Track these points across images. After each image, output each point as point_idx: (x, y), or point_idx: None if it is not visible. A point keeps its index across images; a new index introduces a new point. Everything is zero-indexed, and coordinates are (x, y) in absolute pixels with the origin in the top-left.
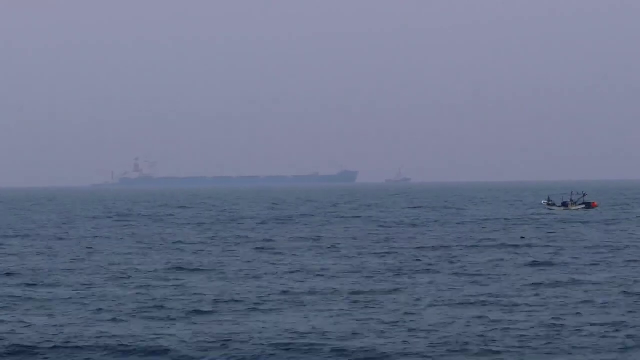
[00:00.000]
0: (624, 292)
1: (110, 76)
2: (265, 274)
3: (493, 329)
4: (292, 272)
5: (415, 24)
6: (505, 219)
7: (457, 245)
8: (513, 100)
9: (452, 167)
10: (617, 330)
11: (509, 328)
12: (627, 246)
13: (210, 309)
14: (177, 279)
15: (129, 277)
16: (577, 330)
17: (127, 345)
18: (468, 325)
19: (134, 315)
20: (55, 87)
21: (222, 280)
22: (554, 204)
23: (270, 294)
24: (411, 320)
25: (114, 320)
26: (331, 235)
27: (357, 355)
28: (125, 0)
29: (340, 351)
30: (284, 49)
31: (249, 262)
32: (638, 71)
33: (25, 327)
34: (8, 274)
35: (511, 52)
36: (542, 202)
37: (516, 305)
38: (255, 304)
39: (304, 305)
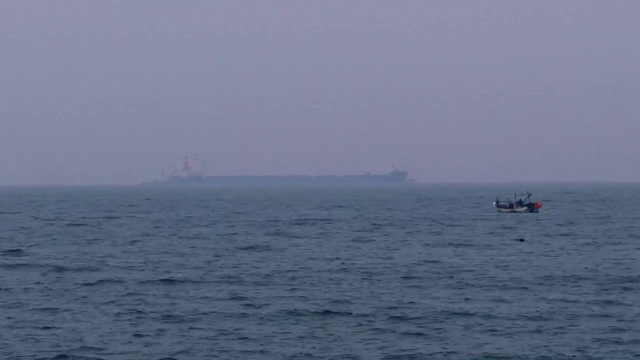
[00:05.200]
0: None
1: (159, 74)
2: None
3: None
4: None
5: (415, 23)
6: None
7: None
8: (513, 100)
9: (454, 168)
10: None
11: None
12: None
13: None
14: None
15: None
16: None
17: None
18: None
19: None
20: (105, 85)
21: None
22: (503, 206)
23: None
24: None
25: None
26: None
27: None
28: None
29: None
30: (288, 46)
31: None
32: (638, 71)
33: None
34: None
35: (511, 52)
36: (493, 203)
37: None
38: None
39: None
